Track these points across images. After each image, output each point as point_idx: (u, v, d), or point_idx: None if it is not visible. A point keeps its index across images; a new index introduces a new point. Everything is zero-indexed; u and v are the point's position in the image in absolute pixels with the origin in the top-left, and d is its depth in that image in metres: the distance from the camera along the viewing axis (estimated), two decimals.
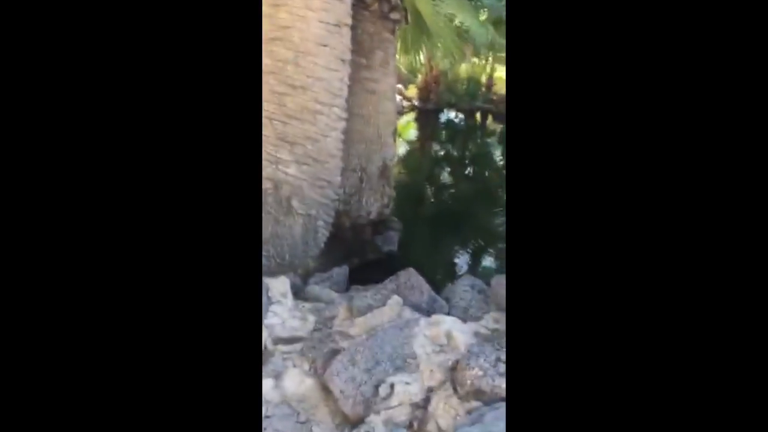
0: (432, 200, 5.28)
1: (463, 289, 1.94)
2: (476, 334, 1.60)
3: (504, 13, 6.79)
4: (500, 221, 4.65)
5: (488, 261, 3.80)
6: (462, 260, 3.73)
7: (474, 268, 3.62)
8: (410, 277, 1.89)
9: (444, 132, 8.45)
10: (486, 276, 3.45)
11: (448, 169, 6.57)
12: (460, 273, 3.47)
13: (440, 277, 3.13)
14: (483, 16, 6.60)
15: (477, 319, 1.73)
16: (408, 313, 1.76)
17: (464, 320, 1.70)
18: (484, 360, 1.27)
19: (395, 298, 1.80)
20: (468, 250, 3.90)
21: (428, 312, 1.79)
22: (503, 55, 8.99)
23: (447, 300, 1.92)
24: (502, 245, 4.01)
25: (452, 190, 5.64)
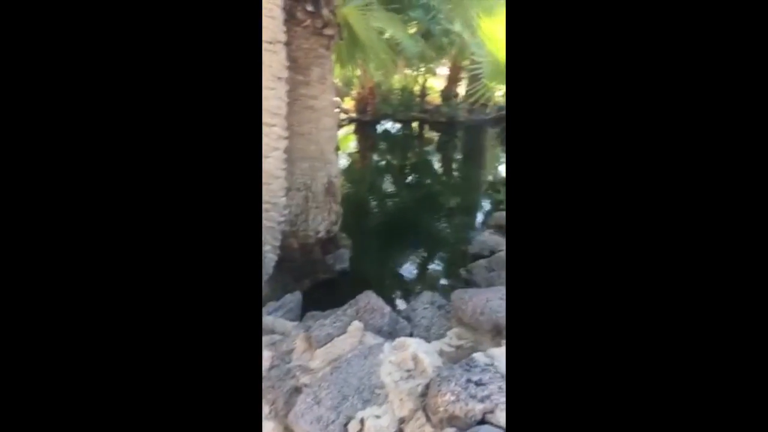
0: (376, 211, 5.30)
1: (423, 306, 1.91)
2: (441, 353, 1.58)
3: (431, 26, 7.06)
4: (444, 226, 4.77)
5: (436, 266, 3.85)
6: (410, 268, 3.75)
7: (422, 274, 3.65)
8: (369, 299, 1.84)
9: (383, 142, 8.54)
10: (434, 280, 3.51)
11: (390, 179, 6.64)
12: (409, 280, 3.48)
13: (391, 294, 3.11)
14: (412, 29, 6.78)
15: (440, 336, 1.71)
16: (370, 338, 1.70)
17: (428, 339, 1.67)
18: (455, 383, 1.24)
19: (355, 324, 1.73)
20: (416, 257, 3.93)
21: (391, 334, 1.74)
22: (434, 65, 9.31)
23: (408, 319, 1.88)
24: (447, 251, 4.10)
25: (396, 199, 5.69)
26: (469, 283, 3.00)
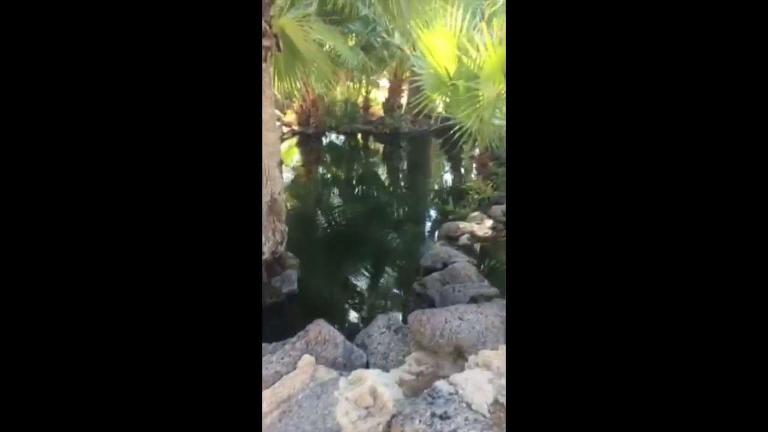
0: (325, 225, 5.15)
1: (379, 331, 1.80)
2: (402, 382, 1.48)
3: (371, 39, 7.10)
4: (394, 238, 4.71)
5: (386, 279, 3.76)
6: (361, 281, 3.63)
7: (374, 287, 3.55)
8: (321, 329, 1.69)
9: (328, 155, 8.40)
10: (386, 291, 3.42)
11: (336, 191, 6.52)
12: (359, 295, 3.37)
13: (344, 317, 2.97)
14: (351, 42, 6.77)
15: (399, 363, 1.61)
16: (323, 372, 1.56)
17: (386, 368, 1.57)
18: (419, 420, 1.14)
19: (306, 358, 1.59)
20: (365, 270, 3.82)
21: (346, 366, 1.61)
22: (375, 78, 9.35)
23: (363, 347, 1.76)
24: (398, 263, 4.03)
25: (344, 212, 5.57)
26: (422, 297, 2.93)
